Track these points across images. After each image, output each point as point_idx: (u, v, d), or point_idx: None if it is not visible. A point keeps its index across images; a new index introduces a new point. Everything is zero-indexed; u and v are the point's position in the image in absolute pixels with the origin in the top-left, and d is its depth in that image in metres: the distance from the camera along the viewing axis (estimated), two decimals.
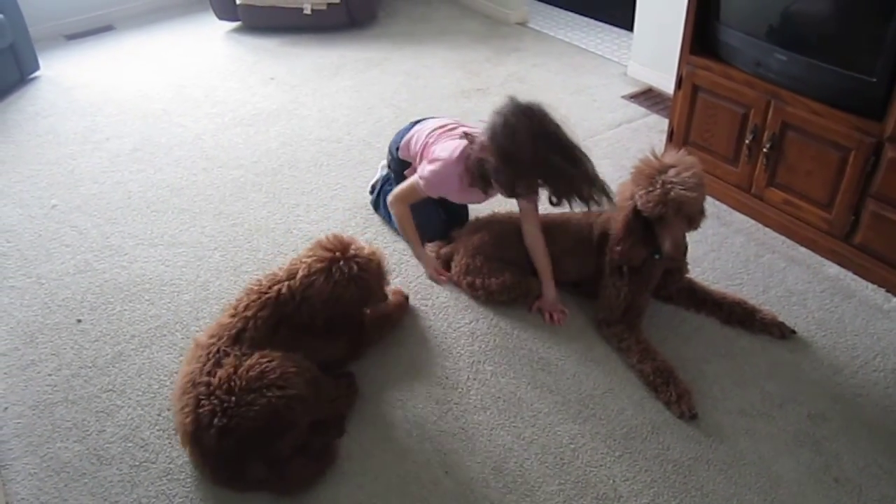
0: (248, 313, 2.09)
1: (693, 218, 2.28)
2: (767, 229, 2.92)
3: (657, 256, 2.35)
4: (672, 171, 2.20)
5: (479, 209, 2.94)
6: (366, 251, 2.20)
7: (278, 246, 2.98)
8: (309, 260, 2.14)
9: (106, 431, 2.23)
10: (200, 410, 1.89)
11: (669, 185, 2.17)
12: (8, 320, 2.67)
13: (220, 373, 1.94)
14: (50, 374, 2.44)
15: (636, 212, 2.28)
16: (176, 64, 4.78)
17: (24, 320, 2.67)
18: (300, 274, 2.12)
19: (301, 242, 2.98)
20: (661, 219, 2.22)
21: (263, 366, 1.93)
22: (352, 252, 2.16)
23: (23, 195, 3.43)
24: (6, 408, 2.34)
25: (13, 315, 2.70)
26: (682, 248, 2.26)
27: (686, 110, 3.09)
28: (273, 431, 1.90)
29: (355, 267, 2.12)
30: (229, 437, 1.86)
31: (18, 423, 2.29)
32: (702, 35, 2.95)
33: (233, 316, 2.11)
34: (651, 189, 2.20)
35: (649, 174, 2.23)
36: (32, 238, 3.12)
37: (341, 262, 2.12)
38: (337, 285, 2.09)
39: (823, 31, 2.53)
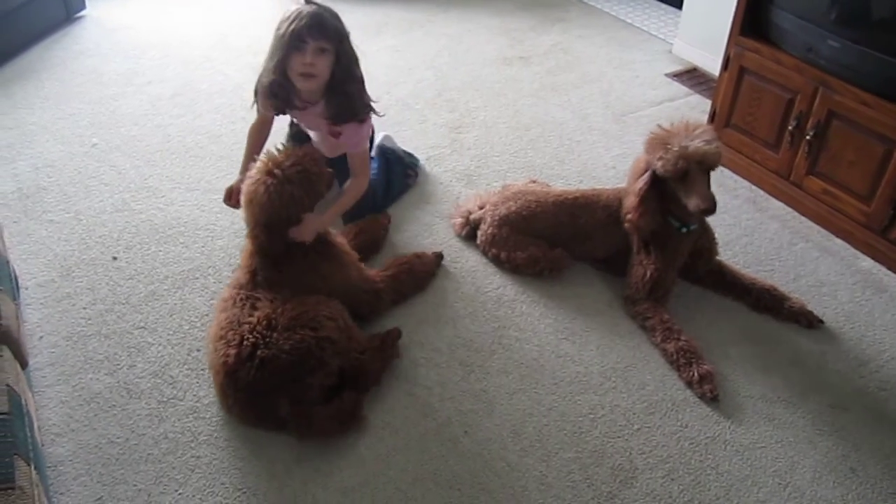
0: (249, 259, 2.19)
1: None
2: (803, 218, 2.89)
3: (684, 230, 2.35)
4: (684, 132, 2.24)
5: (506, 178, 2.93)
6: (292, 155, 2.17)
7: None
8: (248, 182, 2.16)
9: (136, 367, 2.29)
10: (244, 344, 1.97)
11: (686, 143, 2.20)
12: (46, 253, 2.73)
13: (259, 314, 2.02)
14: (84, 308, 2.50)
15: (653, 182, 2.30)
16: (220, 12, 4.78)
17: (61, 254, 2.73)
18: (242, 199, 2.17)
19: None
20: (684, 178, 2.22)
21: (299, 309, 2.02)
22: (280, 161, 2.14)
23: (64, 132, 3.48)
24: (41, 337, 2.41)
25: (51, 248, 2.75)
26: (712, 201, 2.22)
27: (731, 92, 3.05)
28: (304, 367, 1.98)
29: (284, 171, 2.10)
30: (265, 370, 1.94)
31: (52, 352, 2.36)
32: (753, 16, 2.90)
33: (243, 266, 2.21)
34: (668, 151, 2.22)
35: (663, 139, 2.26)
36: (72, 175, 3.17)
37: (273, 171, 2.11)
38: (270, 190, 2.08)
39: (881, 20, 2.48)
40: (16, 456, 1.58)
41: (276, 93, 2.52)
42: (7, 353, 1.85)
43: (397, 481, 1.96)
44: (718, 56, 3.18)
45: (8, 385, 1.73)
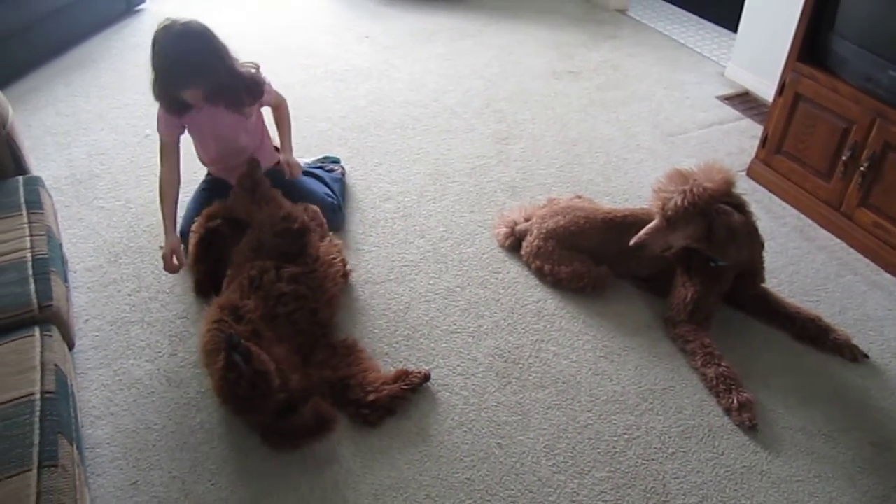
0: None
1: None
2: (852, 250, 2.84)
3: (712, 264, 2.35)
4: (678, 180, 2.29)
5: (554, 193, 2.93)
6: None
7: (356, 202, 3.03)
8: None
9: (177, 356, 2.33)
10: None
11: (692, 184, 2.26)
12: (95, 238, 2.79)
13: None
14: (129, 295, 2.55)
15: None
16: (274, 12, 4.85)
17: (110, 240, 2.78)
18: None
19: (378, 200, 3.03)
20: (703, 213, 2.25)
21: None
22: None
23: (118, 122, 3.55)
24: (86, 320, 2.45)
25: (101, 234, 2.81)
26: (736, 230, 2.25)
27: (784, 118, 3.01)
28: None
29: None
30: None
31: (96, 336, 2.40)
32: (812, 43, 2.86)
33: None
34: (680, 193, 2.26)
35: (669, 180, 2.31)
36: (124, 164, 3.23)
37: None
38: None
39: None
40: (60, 435, 1.61)
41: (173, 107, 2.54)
42: (56, 334, 1.89)
43: (429, 488, 1.96)
44: (772, 81, 3.14)
45: (56, 365, 1.77)
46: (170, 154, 2.62)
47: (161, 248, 2.71)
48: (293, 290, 2.17)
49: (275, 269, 2.19)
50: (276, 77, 3.91)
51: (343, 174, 3.10)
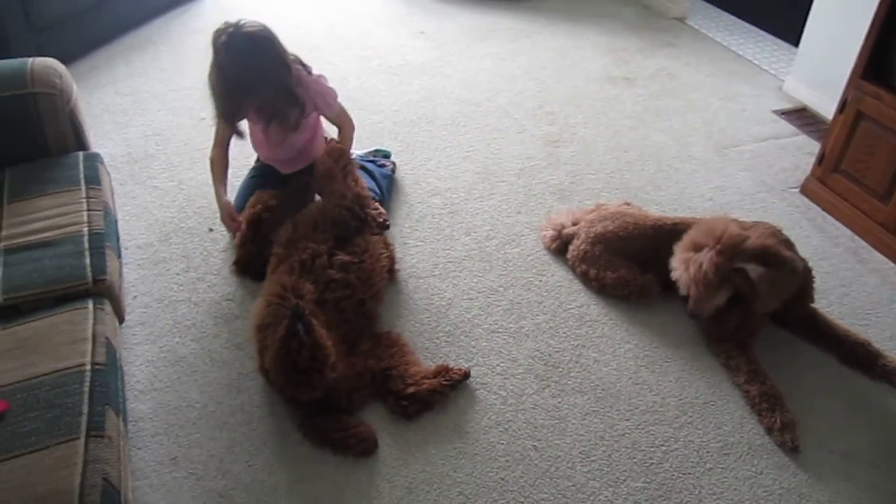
0: None
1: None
2: None
3: None
4: (721, 237, 2.27)
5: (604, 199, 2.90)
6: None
7: (404, 195, 3.04)
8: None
9: (221, 336, 2.36)
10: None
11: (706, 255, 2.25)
12: (147, 217, 2.84)
13: None
14: (178, 274, 2.59)
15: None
16: (335, 4, 4.89)
17: (161, 219, 2.83)
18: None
19: (426, 195, 3.04)
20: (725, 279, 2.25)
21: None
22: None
23: (175, 104, 3.62)
24: (135, 296, 2.50)
25: (153, 213, 2.86)
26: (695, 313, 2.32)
27: (843, 136, 2.95)
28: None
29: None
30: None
31: (144, 312, 2.45)
32: (878, 61, 2.80)
33: None
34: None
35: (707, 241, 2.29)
36: (179, 145, 3.29)
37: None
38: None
39: None
40: (107, 406, 1.65)
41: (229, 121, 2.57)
42: (108, 308, 1.93)
43: (462, 485, 1.96)
44: (832, 98, 3.07)
45: (107, 338, 1.81)
46: (221, 144, 2.68)
47: (211, 230, 2.77)
48: (342, 278, 2.19)
49: (327, 255, 2.22)
50: (332, 67, 3.98)
51: (393, 170, 3.11)
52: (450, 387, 2.17)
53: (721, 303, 2.33)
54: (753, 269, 2.20)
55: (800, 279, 2.34)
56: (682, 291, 2.33)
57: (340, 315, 2.17)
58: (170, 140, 3.33)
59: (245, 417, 2.12)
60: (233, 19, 2.35)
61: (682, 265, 2.30)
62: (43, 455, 1.51)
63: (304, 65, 2.55)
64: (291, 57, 2.48)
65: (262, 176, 2.80)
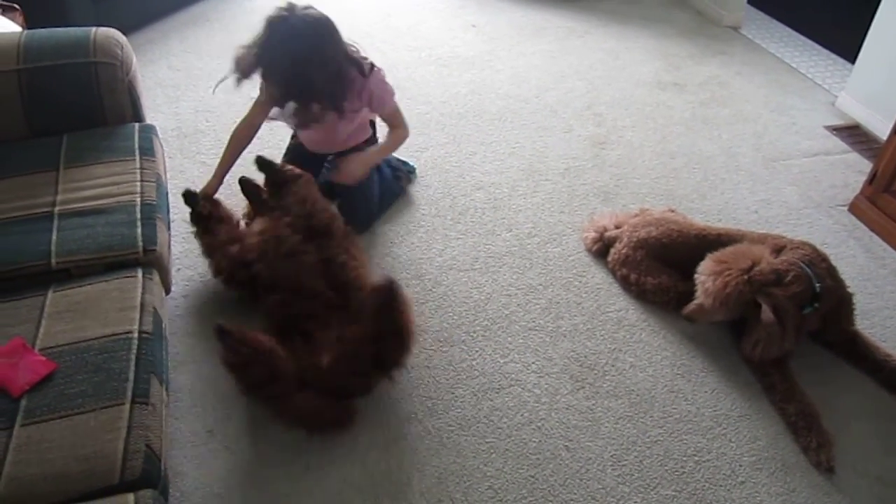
0: None
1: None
2: None
3: (808, 309, 2.28)
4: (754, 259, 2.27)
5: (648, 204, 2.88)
6: None
7: (448, 188, 3.05)
8: None
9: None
10: None
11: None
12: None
13: None
14: None
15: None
16: None
17: None
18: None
19: (470, 189, 3.04)
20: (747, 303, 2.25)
21: None
22: None
23: (227, 82, 3.63)
24: (179, 269, 2.55)
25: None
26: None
27: None
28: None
29: None
30: None
31: (186, 285, 2.50)
32: None
33: None
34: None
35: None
36: (229, 123, 3.30)
37: None
38: None
39: None
40: (152, 374, 1.68)
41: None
42: (156, 278, 1.96)
43: (492, 480, 1.97)
44: (888, 117, 3.03)
45: (154, 307, 1.84)
46: (254, 115, 2.69)
47: None
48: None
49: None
50: (382, 56, 3.99)
51: (405, 182, 3.03)
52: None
53: (720, 319, 2.35)
54: (765, 313, 2.19)
55: (832, 304, 2.33)
56: (697, 295, 2.32)
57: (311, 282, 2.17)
58: (220, 117, 3.36)
59: None
60: (298, 2, 2.38)
61: (711, 275, 2.28)
62: (88, 417, 1.54)
63: (364, 59, 2.55)
64: (352, 48, 2.49)
65: (292, 152, 2.88)
